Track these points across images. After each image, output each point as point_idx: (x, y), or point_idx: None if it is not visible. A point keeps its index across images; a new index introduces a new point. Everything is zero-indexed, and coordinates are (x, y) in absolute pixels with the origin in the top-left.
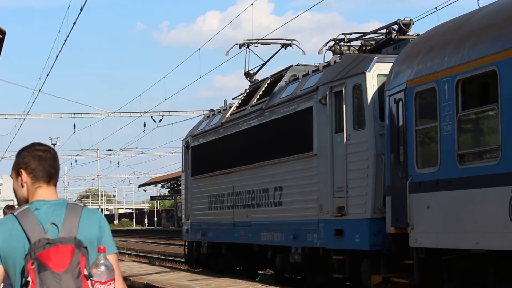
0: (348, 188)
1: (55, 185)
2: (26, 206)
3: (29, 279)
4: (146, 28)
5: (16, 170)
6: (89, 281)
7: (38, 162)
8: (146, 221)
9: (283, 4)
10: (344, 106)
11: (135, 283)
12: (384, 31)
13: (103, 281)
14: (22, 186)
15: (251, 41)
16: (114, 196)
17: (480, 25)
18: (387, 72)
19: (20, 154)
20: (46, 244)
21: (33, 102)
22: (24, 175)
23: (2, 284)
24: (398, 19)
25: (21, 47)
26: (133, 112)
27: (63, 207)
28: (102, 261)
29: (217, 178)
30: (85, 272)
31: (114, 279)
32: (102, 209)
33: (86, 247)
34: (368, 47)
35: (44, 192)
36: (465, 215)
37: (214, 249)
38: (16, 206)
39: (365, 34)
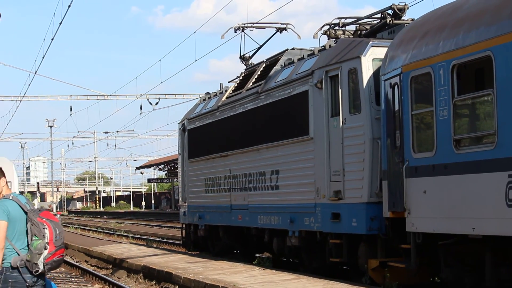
0: (344, 172)
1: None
2: (13, 195)
3: (28, 229)
4: (140, 12)
5: None
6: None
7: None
8: (143, 203)
9: None
10: (340, 90)
11: (132, 265)
12: (379, 15)
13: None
14: None
15: (246, 25)
16: (111, 178)
17: (475, 10)
18: (382, 56)
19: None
20: (35, 213)
21: (29, 85)
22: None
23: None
24: (393, 4)
25: (16, 30)
26: (130, 94)
27: (23, 196)
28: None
29: (213, 161)
30: None
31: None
32: (99, 191)
33: None
34: (363, 32)
35: (8, 188)
36: (461, 200)
37: (211, 232)
38: None
39: (360, 18)
